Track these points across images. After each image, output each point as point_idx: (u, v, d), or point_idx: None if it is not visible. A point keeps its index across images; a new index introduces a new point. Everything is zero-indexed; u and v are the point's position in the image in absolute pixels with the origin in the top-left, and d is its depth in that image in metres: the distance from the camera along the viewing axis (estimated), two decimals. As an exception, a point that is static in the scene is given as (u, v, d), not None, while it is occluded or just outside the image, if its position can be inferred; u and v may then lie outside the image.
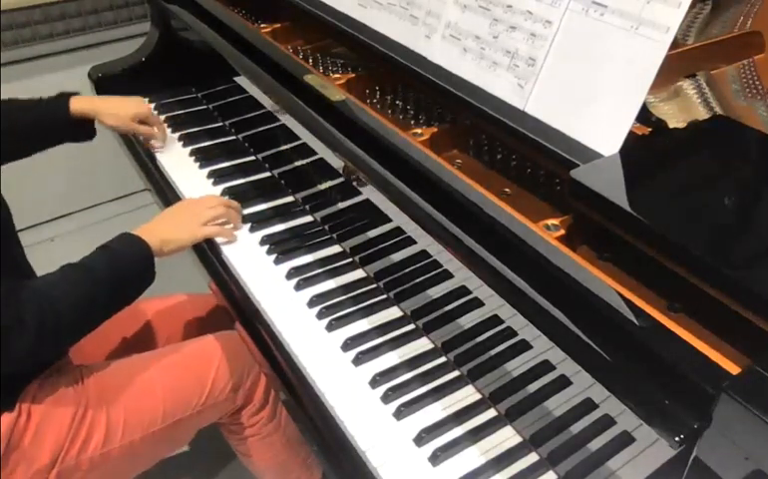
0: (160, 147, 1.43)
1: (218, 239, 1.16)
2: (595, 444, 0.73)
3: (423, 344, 0.97)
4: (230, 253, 1.15)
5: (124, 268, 1.02)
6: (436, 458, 0.82)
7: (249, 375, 1.23)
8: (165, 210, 1.18)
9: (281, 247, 1.14)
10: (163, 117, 1.55)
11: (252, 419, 1.27)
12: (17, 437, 0.97)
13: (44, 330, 0.91)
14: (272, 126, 1.31)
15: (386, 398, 0.89)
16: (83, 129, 1.33)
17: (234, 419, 1.26)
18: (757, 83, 0.98)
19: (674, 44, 0.78)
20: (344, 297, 1.05)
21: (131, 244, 1.04)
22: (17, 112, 1.26)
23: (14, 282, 0.92)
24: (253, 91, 1.33)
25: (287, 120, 1.22)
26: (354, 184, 1.07)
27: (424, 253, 0.95)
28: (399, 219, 0.98)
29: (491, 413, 0.88)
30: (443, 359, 0.95)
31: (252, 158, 1.41)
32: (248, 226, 1.20)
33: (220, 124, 1.54)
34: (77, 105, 1.30)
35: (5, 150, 1.22)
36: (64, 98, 1.30)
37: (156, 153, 1.43)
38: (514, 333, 0.82)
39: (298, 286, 1.07)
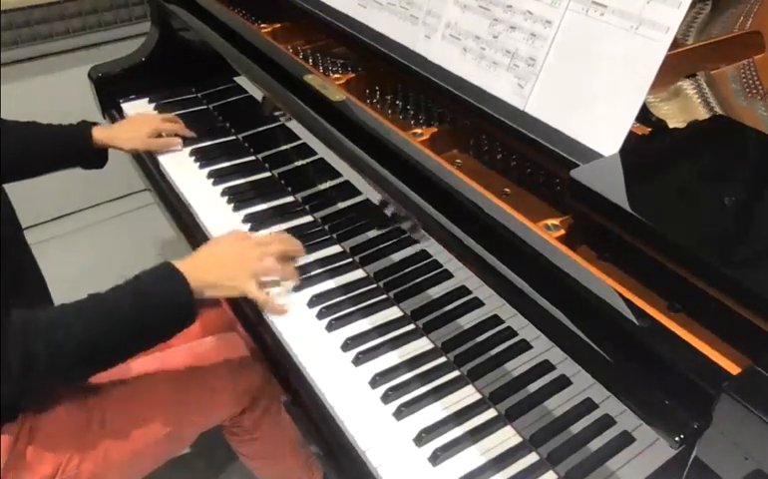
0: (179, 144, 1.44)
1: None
2: (595, 444, 0.73)
3: (423, 344, 0.97)
4: (230, 253, 1.14)
5: (153, 312, 0.90)
6: (436, 458, 0.82)
7: (251, 379, 1.22)
8: (214, 242, 1.05)
9: (281, 247, 1.14)
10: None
11: (255, 422, 1.26)
12: (20, 448, 0.97)
13: (50, 372, 0.84)
14: (272, 126, 1.31)
15: (386, 398, 0.89)
16: (98, 157, 1.37)
17: (237, 422, 1.26)
18: (757, 83, 0.98)
19: (674, 44, 0.78)
20: (344, 297, 1.05)
21: (169, 283, 0.92)
22: (38, 133, 1.29)
23: (22, 315, 0.83)
24: (253, 91, 1.33)
25: (287, 120, 1.22)
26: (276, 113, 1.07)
27: (424, 253, 0.95)
28: (399, 219, 0.98)
29: (491, 413, 0.88)
30: (443, 359, 0.95)
31: (252, 158, 1.41)
32: (248, 226, 1.20)
33: (221, 124, 1.54)
34: (98, 135, 1.34)
35: (17, 167, 1.24)
36: (86, 126, 1.34)
37: (156, 153, 1.43)
38: (514, 333, 0.82)
39: (298, 286, 1.07)
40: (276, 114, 1.06)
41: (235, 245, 1.03)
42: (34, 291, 1.08)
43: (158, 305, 0.91)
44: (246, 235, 1.09)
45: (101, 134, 1.35)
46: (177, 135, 1.44)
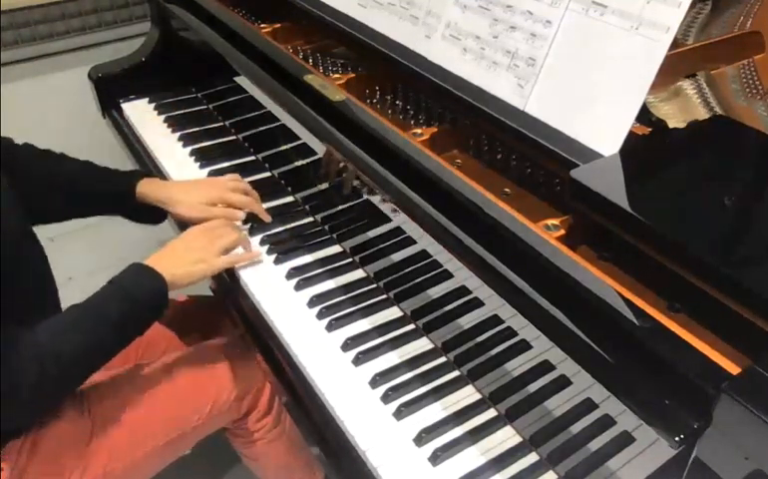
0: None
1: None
2: (595, 444, 0.73)
3: (423, 344, 0.97)
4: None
5: (136, 308, 0.97)
6: (436, 458, 0.82)
7: (254, 383, 1.22)
8: (177, 238, 1.09)
9: (281, 247, 1.14)
10: (162, 117, 1.55)
11: (257, 425, 1.26)
12: (22, 462, 0.97)
13: (43, 390, 0.88)
14: (272, 126, 1.31)
15: (386, 398, 0.89)
16: (146, 212, 1.22)
17: (239, 425, 1.26)
18: (757, 83, 0.98)
19: (674, 44, 0.78)
20: (344, 297, 1.05)
21: (144, 280, 0.98)
22: (88, 173, 1.21)
23: (13, 335, 0.86)
24: (253, 91, 1.33)
25: (287, 120, 1.22)
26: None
27: (424, 253, 0.95)
28: (399, 219, 0.98)
29: (491, 413, 0.88)
30: (443, 359, 0.95)
31: (252, 158, 1.41)
32: (248, 226, 1.20)
33: (220, 124, 1.54)
34: (143, 189, 1.19)
35: (60, 207, 1.20)
36: (135, 177, 1.20)
37: (155, 153, 1.43)
38: (514, 333, 0.82)
39: (298, 286, 1.07)
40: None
41: (195, 232, 1.09)
42: (42, 291, 1.07)
43: (140, 302, 0.97)
44: (203, 225, 1.12)
45: (148, 188, 1.19)
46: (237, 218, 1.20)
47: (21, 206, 1.00)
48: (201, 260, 1.05)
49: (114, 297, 0.95)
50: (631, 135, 0.78)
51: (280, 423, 1.29)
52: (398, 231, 0.99)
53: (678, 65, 0.96)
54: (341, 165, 1.07)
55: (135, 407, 1.09)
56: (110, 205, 1.23)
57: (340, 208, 1.15)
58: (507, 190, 0.95)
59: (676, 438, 0.59)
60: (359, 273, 1.10)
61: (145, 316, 0.99)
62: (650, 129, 0.86)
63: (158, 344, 1.32)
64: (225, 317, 1.38)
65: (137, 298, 0.97)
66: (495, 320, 0.85)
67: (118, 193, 1.20)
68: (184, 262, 1.03)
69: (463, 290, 0.90)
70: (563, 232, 0.78)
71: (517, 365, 0.83)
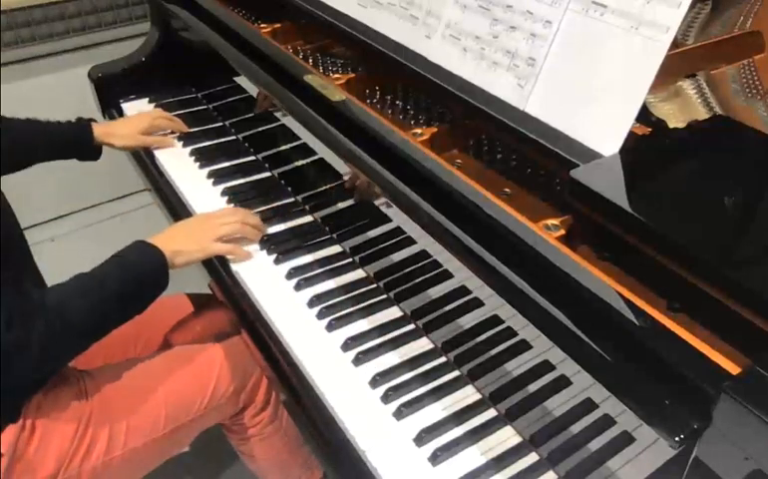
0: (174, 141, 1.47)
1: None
2: (595, 444, 0.73)
3: (423, 344, 0.97)
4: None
5: (137, 279, 1.02)
6: (436, 458, 0.82)
7: (251, 377, 1.22)
8: (180, 221, 1.18)
9: (281, 248, 1.14)
10: (163, 117, 1.55)
11: (254, 420, 1.27)
12: (21, 447, 0.98)
13: (50, 348, 0.91)
14: (272, 126, 1.31)
15: (386, 398, 0.89)
16: (95, 151, 1.42)
17: (236, 420, 1.26)
18: (757, 83, 0.98)
19: (674, 44, 0.78)
20: (344, 297, 1.05)
21: (144, 254, 1.04)
22: (43, 131, 1.34)
23: (21, 296, 0.90)
24: (253, 91, 1.33)
25: (287, 120, 1.22)
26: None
27: (424, 253, 0.95)
28: (399, 219, 0.98)
29: (491, 413, 0.88)
30: (443, 359, 0.95)
31: (252, 158, 1.41)
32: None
33: (220, 124, 1.54)
34: (97, 132, 1.39)
35: (20, 163, 1.31)
36: (87, 125, 1.39)
37: (155, 153, 1.43)
38: (514, 333, 0.82)
39: (298, 286, 1.07)
40: (271, 110, 1.08)
41: (198, 216, 1.20)
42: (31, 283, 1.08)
43: (141, 273, 1.02)
44: (210, 212, 1.19)
45: (98, 130, 1.40)
46: (173, 132, 1.47)
47: None
48: (197, 241, 1.10)
49: (116, 269, 1.00)
50: (631, 135, 0.78)
51: (277, 419, 1.30)
52: (398, 231, 0.99)
53: (678, 65, 0.96)
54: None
55: (134, 399, 1.10)
56: (72, 153, 1.40)
57: (340, 207, 1.15)
58: (507, 190, 0.95)
59: (676, 438, 0.59)
60: (359, 273, 1.10)
61: (145, 287, 1.04)
62: (650, 129, 0.86)
63: (156, 341, 1.32)
64: (224, 316, 1.38)
65: (136, 269, 1.01)
66: (495, 320, 0.85)
67: (83, 145, 1.39)
68: (181, 241, 1.09)
69: (463, 290, 0.90)
70: (563, 232, 0.78)
71: (517, 365, 0.83)
